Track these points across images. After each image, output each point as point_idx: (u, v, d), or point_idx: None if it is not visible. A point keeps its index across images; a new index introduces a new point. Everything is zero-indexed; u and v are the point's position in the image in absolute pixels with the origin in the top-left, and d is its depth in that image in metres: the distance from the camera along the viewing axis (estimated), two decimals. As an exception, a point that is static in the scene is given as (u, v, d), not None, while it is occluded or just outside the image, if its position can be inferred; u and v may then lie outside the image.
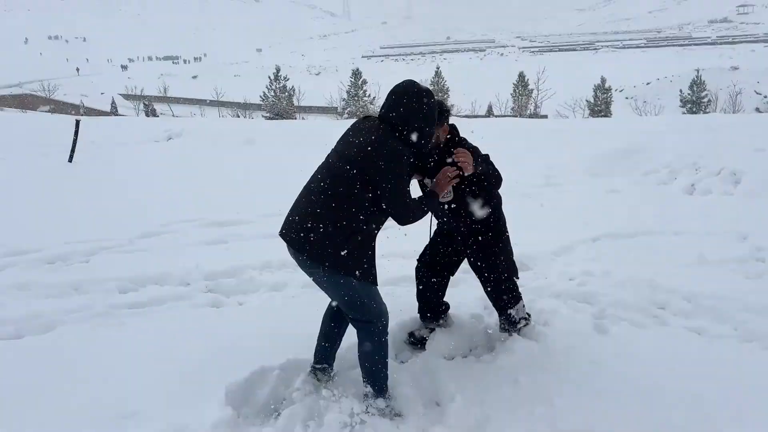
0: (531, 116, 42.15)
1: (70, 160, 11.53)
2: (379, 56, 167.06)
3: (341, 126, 18.43)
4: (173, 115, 47.12)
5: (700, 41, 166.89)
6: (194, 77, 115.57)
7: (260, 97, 49.35)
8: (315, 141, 14.42)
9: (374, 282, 3.03)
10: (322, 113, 61.06)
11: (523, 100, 50.96)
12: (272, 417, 3.18)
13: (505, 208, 3.82)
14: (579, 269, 5.33)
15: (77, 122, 12.46)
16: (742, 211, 7.61)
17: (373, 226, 2.98)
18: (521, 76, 52.84)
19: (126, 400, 3.16)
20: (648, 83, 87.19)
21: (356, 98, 44.83)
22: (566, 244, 6.08)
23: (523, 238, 6.36)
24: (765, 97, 66.09)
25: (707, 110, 44.24)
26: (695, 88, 48.12)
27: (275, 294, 4.96)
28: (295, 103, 51.33)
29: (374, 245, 3.02)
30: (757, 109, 51.76)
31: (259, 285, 5.17)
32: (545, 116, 47.22)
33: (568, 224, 6.95)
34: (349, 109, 44.60)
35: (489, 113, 48.57)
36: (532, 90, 51.24)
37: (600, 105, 47.63)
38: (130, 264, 5.75)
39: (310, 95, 62.04)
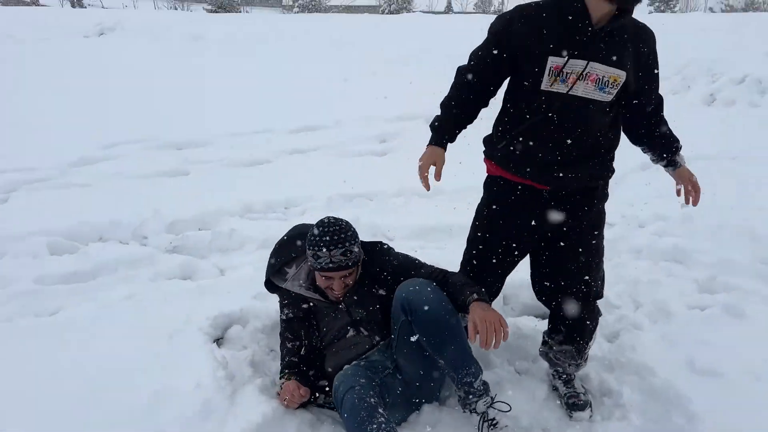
0: (496, 13, 39.90)
1: (-20, 59, 9.52)
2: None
3: (294, 21, 16.45)
4: (103, 6, 42.62)
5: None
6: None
7: (200, -13, 45.01)
8: (268, 38, 12.65)
9: None
10: (267, 6, 56.77)
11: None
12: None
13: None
14: (647, 211, 4.26)
15: (-15, 12, 10.27)
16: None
17: None
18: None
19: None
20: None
21: (307, -11, 41.32)
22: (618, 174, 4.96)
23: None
24: (721, -4, 64.89)
25: (674, 9, 42.87)
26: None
27: (268, 254, 3.69)
28: (239, -6, 47.09)
29: None
30: (711, 9, 50.61)
31: (243, 240, 3.89)
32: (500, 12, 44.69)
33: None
34: (300, 2, 41.12)
35: (448, 9, 45.89)
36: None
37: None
38: (63, 207, 4.37)
39: (254, -14, 57.35)
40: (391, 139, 6.33)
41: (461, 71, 2.18)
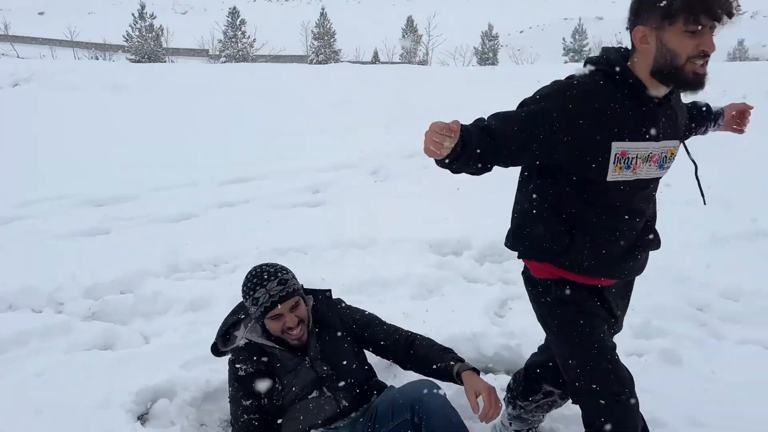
0: (421, 63, 41.30)
1: None
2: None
3: (221, 71, 16.35)
4: (18, 57, 41.19)
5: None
6: (41, 14, 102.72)
7: (123, 37, 44.33)
8: (194, 88, 12.43)
9: None
10: (193, 56, 56.45)
11: (413, 46, 49.75)
12: None
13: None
14: None
15: None
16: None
17: None
18: (410, 20, 51.23)
19: None
20: (521, 32, 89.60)
21: (234, 40, 41.37)
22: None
23: (487, 214, 5.30)
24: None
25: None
26: (577, 37, 49.30)
27: (197, 317, 3.50)
28: (164, 44, 46.70)
29: None
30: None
31: (169, 302, 3.67)
32: (424, 63, 46.32)
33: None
34: (227, 51, 41.09)
35: (375, 60, 46.99)
36: (421, 36, 50.08)
37: (488, 53, 47.47)
38: (-32, 273, 4.01)
39: (179, 36, 57.07)
40: (325, 189, 6.26)
41: (485, 125, 1.67)
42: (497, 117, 1.70)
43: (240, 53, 40.90)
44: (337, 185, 6.33)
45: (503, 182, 6.56)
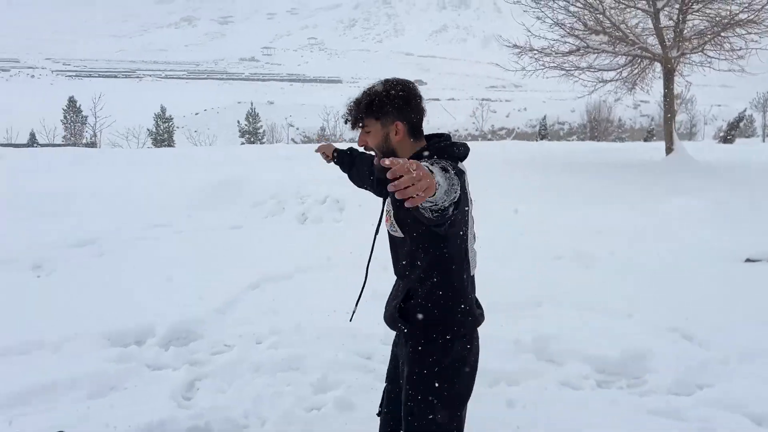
0: (88, 145, 38.27)
1: None
2: None
3: None
4: None
5: (236, 76, 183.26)
6: None
7: None
8: None
9: None
10: None
11: (78, 127, 46.20)
12: None
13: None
14: (246, 329, 4.52)
15: None
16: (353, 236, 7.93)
17: None
18: (72, 101, 47.64)
19: None
20: (197, 113, 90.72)
21: None
22: (229, 296, 5.19)
23: (170, 297, 5.22)
24: (297, 128, 76.27)
25: (263, 141, 48.07)
26: (251, 120, 51.72)
27: None
28: None
29: None
30: (293, 140, 59.14)
31: None
32: (93, 144, 43.42)
33: (212, 269, 6.04)
34: None
35: (32, 142, 42.16)
36: (86, 117, 46.81)
37: (163, 134, 46.83)
38: None
39: None
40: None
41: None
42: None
43: None
44: (-11, 286, 5.51)
45: (181, 263, 6.52)
